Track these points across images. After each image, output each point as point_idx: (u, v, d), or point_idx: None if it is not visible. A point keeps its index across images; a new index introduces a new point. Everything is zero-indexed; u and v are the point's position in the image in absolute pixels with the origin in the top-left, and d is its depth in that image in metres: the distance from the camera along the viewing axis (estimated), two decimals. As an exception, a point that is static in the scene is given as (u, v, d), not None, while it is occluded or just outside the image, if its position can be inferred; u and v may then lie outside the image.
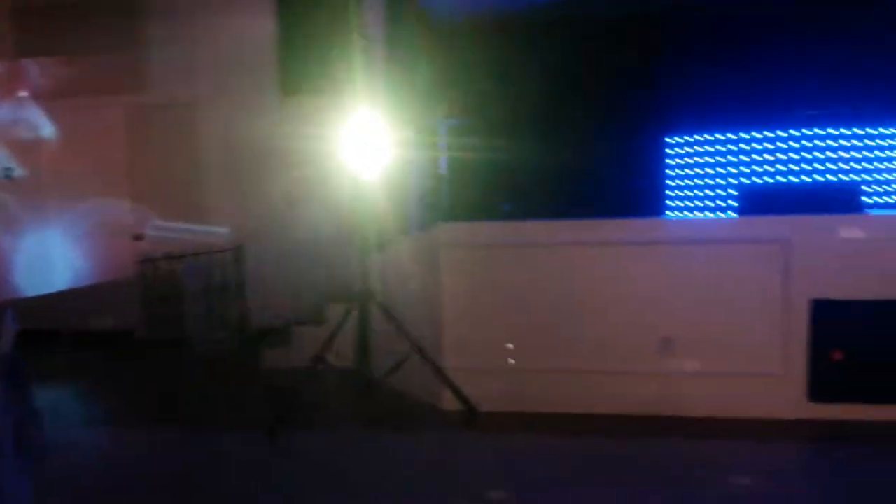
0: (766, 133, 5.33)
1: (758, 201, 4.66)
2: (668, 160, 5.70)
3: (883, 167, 5.10)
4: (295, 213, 6.00)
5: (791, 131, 5.25)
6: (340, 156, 4.11)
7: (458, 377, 4.03)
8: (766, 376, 3.84)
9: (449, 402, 4.07)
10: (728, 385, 3.84)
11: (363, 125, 4.04)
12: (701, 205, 5.48)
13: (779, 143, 5.30)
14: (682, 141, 5.70)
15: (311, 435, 3.89)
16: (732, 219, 4.47)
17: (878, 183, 5.00)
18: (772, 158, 5.29)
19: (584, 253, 4.03)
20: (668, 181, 5.67)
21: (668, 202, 5.64)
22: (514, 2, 6.16)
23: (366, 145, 4.04)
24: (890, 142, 5.18)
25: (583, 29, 6.50)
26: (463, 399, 4.01)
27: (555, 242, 4.06)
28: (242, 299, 6.41)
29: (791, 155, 5.23)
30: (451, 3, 6.12)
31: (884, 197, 4.93)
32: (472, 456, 3.58)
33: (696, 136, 5.58)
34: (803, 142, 5.22)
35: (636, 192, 5.64)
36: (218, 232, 6.37)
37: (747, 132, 5.39)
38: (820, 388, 3.79)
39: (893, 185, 5.03)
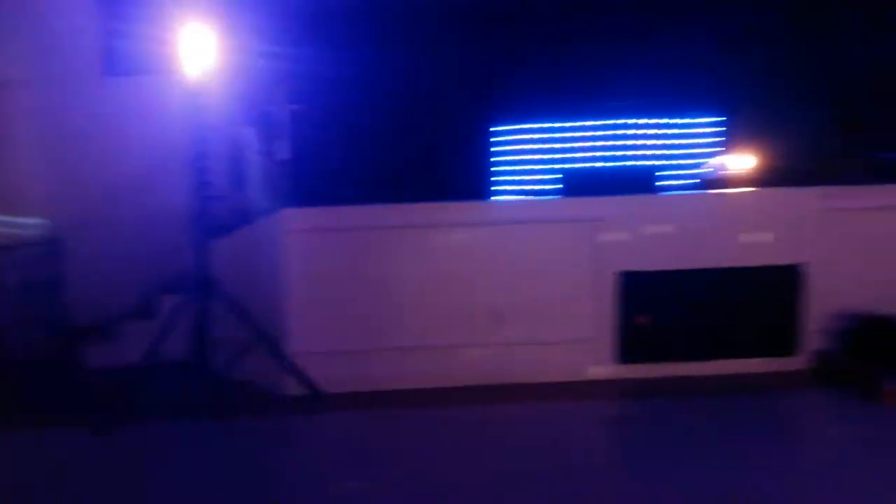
0: (580, 123, 5.88)
1: (573, 184, 5.14)
2: (494, 147, 6.10)
3: (674, 153, 5.85)
4: (120, 200, 5.67)
5: (601, 121, 5.84)
6: (170, 139, 3.99)
7: (304, 362, 4.10)
8: (582, 342, 4.29)
9: (294, 388, 4.13)
10: (547, 352, 4.25)
11: (194, 107, 3.95)
12: (524, 188, 5.92)
13: (591, 132, 5.87)
14: (507, 129, 6.12)
15: (143, 430, 3.70)
16: (550, 200, 4.89)
17: (671, 168, 5.74)
18: (585, 145, 5.85)
19: (421, 235, 4.25)
20: (494, 167, 6.07)
21: (494, 187, 6.05)
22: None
23: (198, 127, 3.95)
24: (679, 130, 5.93)
25: (417, 20, 6.73)
26: (307, 383, 4.09)
27: (393, 225, 4.24)
28: (61, 295, 5.96)
29: (601, 143, 5.82)
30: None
31: (675, 180, 5.67)
32: (316, 437, 3.69)
33: (520, 126, 6.02)
34: (610, 130, 5.83)
35: (467, 177, 5.99)
36: (34, 222, 5.87)
37: (564, 121, 5.90)
38: (627, 350, 4.31)
39: (683, 170, 5.78)
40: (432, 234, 4.24)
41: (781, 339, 4.32)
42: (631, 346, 4.29)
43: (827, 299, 4.27)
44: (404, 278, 4.23)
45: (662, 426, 3.68)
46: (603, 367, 4.29)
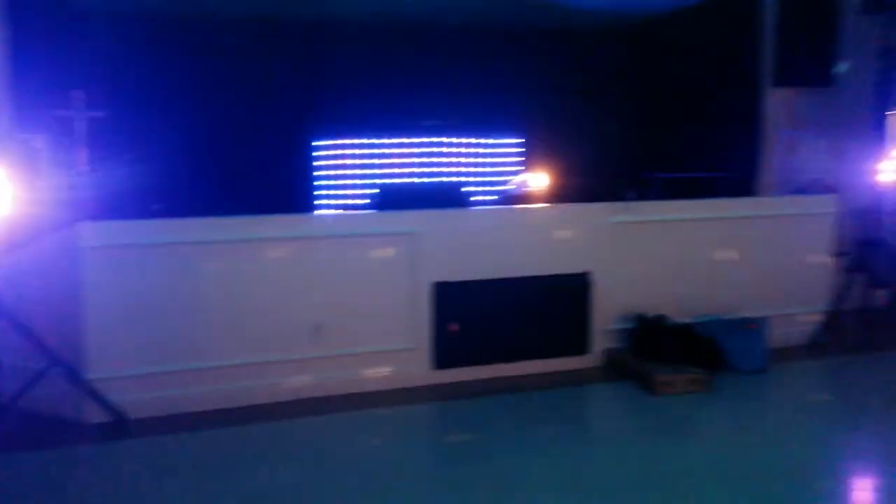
0: (397, 140, 6.11)
1: (390, 199, 5.34)
2: (315, 161, 6.14)
3: (481, 170, 6.29)
4: None
5: (415, 139, 6.12)
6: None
7: (107, 387, 3.85)
8: (400, 351, 4.46)
9: (97, 415, 3.86)
10: (368, 363, 4.37)
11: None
12: (343, 202, 6.04)
13: (407, 149, 6.14)
14: (328, 144, 6.19)
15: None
16: (369, 214, 5.03)
17: (478, 183, 6.17)
18: (401, 161, 6.10)
19: (236, 249, 4.15)
20: (315, 181, 6.12)
21: (316, 200, 6.09)
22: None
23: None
24: (485, 150, 6.38)
25: (238, 32, 6.61)
26: (110, 409, 3.85)
27: (207, 240, 4.10)
28: None
29: (415, 159, 6.10)
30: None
31: (482, 195, 6.12)
32: (117, 466, 3.49)
33: (339, 140, 6.13)
34: (424, 148, 6.13)
35: (288, 191, 5.98)
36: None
37: (381, 137, 6.10)
38: (441, 357, 4.55)
39: (488, 186, 6.25)
40: (243, 249, 4.16)
41: (575, 340, 4.80)
42: (445, 352, 4.54)
43: (612, 303, 4.82)
44: (215, 295, 4.11)
45: (468, 422, 3.98)
46: (420, 374, 4.49)
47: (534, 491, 3.15)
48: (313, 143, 6.21)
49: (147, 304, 3.98)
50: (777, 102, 6.32)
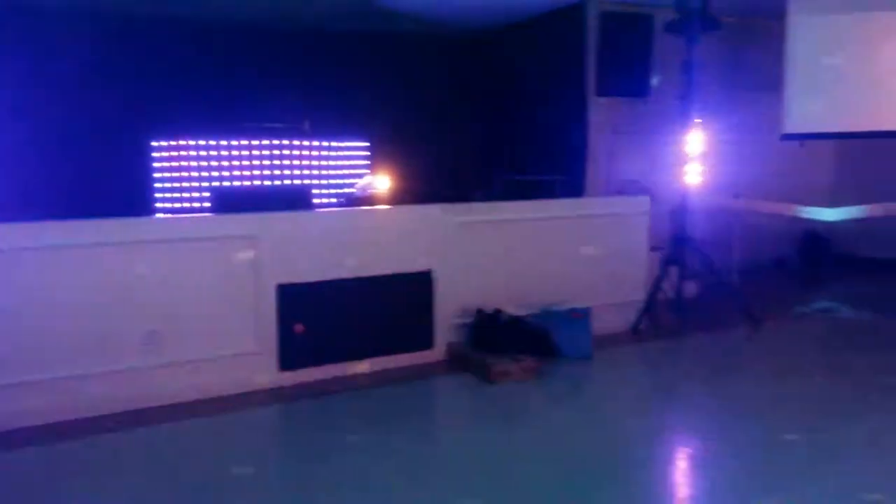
0: (237, 141, 6.02)
1: (229, 201, 5.26)
2: (154, 163, 5.90)
3: (326, 173, 6.35)
4: None
5: (256, 141, 6.06)
6: None
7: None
8: (246, 355, 4.44)
9: None
10: (212, 368, 4.31)
11: None
12: (185, 205, 5.86)
13: (248, 151, 6.06)
14: (166, 145, 5.97)
15: None
16: (210, 217, 4.93)
17: (323, 186, 6.23)
18: (242, 164, 6.02)
19: (68, 254, 3.96)
20: (155, 183, 5.88)
21: (156, 203, 5.86)
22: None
23: None
24: (329, 153, 6.45)
25: (73, 28, 6.23)
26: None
27: (34, 246, 3.88)
28: None
29: (256, 162, 6.04)
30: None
31: (327, 198, 6.18)
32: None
33: (180, 142, 5.93)
34: (267, 150, 6.09)
35: (125, 193, 5.71)
36: None
37: (221, 139, 5.98)
38: (288, 358, 4.57)
39: (334, 189, 6.33)
40: (83, 253, 3.97)
41: (420, 335, 5.00)
42: (292, 353, 4.57)
43: (454, 299, 5.07)
44: (47, 302, 3.90)
45: (312, 422, 4.06)
46: (268, 377, 4.49)
47: (370, 483, 3.29)
48: (152, 144, 5.96)
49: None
50: (601, 111, 6.91)
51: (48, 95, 6.25)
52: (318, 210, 5.45)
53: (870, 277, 8.02)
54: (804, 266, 8.83)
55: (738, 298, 6.13)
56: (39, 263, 3.90)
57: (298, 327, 4.56)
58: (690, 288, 6.51)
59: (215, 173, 5.97)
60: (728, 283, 6.70)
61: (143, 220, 4.76)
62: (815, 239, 8.91)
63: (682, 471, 3.56)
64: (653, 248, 6.28)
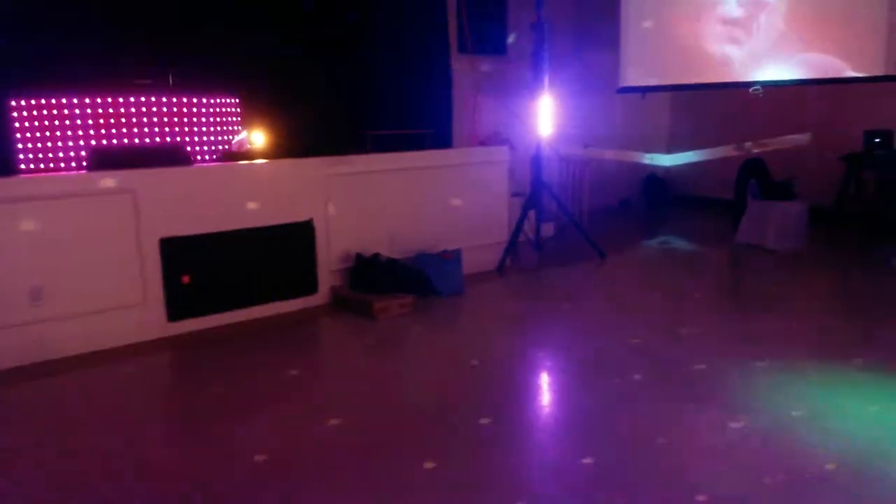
0: (108, 99, 5.95)
1: (106, 159, 5.26)
2: (17, 123, 5.72)
3: (200, 130, 6.43)
4: None
5: (127, 98, 6.02)
6: None
7: None
8: (132, 307, 4.59)
9: None
10: (100, 322, 4.44)
11: None
12: (52, 165, 5.75)
13: (120, 109, 6.01)
14: (32, 104, 5.79)
15: None
16: (88, 174, 4.92)
17: (198, 142, 6.31)
18: (114, 122, 5.97)
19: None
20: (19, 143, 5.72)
21: (20, 163, 5.71)
22: None
23: None
24: (201, 109, 6.50)
25: None
26: None
27: None
28: None
29: (130, 119, 6.02)
30: None
31: (202, 155, 6.28)
32: None
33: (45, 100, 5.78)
34: (137, 108, 6.06)
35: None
36: None
37: (91, 97, 5.89)
38: (175, 309, 4.76)
39: (207, 145, 6.42)
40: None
41: (303, 281, 5.33)
42: (179, 304, 4.76)
43: (335, 246, 5.43)
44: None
45: (202, 366, 4.32)
46: (157, 327, 4.67)
47: (252, 404, 3.64)
48: (11, 102, 5.76)
49: None
50: (464, 68, 7.38)
51: None
52: (198, 165, 5.55)
53: (701, 214, 9.16)
54: (646, 206, 9.92)
55: (587, 237, 6.91)
56: None
57: (184, 278, 4.74)
58: (547, 229, 7.26)
59: (82, 132, 5.87)
60: (579, 223, 7.49)
61: (24, 178, 4.72)
62: (655, 182, 10.01)
63: (535, 373, 4.19)
64: (514, 195, 6.91)
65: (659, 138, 9.84)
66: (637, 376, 3.88)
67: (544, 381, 4.11)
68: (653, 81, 7.10)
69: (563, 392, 3.90)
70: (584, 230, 7.07)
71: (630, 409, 3.51)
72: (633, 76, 6.99)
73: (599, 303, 5.55)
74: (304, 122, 7.63)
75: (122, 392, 3.93)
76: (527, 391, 3.91)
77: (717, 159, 8.98)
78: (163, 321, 4.72)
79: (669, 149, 9.81)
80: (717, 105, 8.96)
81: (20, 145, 5.79)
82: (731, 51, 6.96)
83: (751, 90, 7.16)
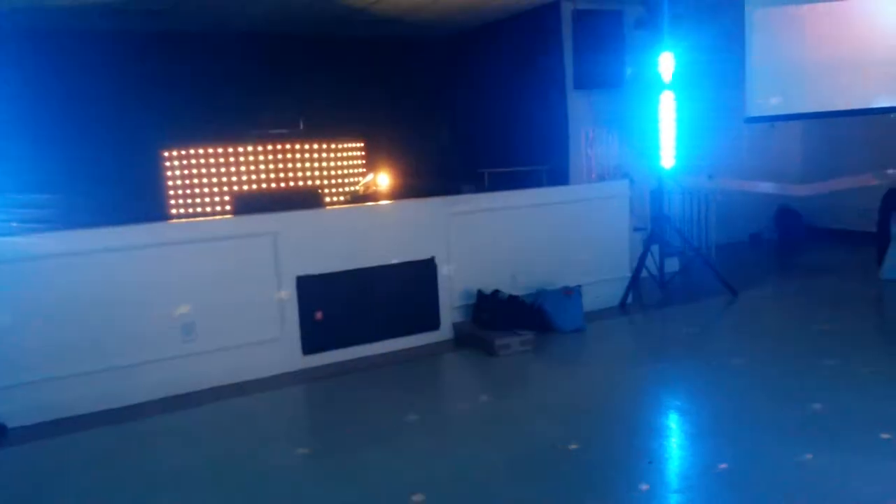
0: (247, 147, 6.45)
1: (247, 203, 5.68)
2: (168, 171, 6.32)
3: (331, 173, 6.80)
4: None
5: (264, 146, 6.50)
6: None
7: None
8: (271, 341, 4.88)
9: (-26, 427, 3.95)
10: (243, 355, 4.76)
11: None
12: (199, 210, 6.28)
13: (258, 156, 6.49)
14: (177, 154, 6.38)
15: None
16: (232, 218, 5.34)
17: (328, 185, 6.70)
18: (254, 168, 6.45)
19: (102, 259, 4.36)
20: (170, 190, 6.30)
21: (170, 209, 6.28)
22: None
23: None
24: (329, 154, 6.88)
25: (90, 43, 6.61)
26: (-11, 420, 3.95)
27: (70, 252, 4.28)
28: None
29: (267, 165, 6.48)
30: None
31: (334, 196, 6.64)
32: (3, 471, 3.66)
33: (191, 150, 6.35)
34: (273, 154, 6.53)
35: (141, 200, 6.12)
36: None
37: (229, 146, 6.41)
38: (309, 344, 5.02)
39: (341, 188, 6.78)
40: (119, 257, 4.40)
41: (428, 317, 5.46)
42: (313, 339, 5.01)
43: (456, 283, 5.54)
44: (92, 301, 4.32)
45: (335, 396, 4.52)
46: (292, 361, 4.94)
47: (392, 437, 3.75)
48: (163, 153, 6.37)
49: (17, 316, 4.11)
50: (579, 103, 7.39)
51: (65, 110, 6.64)
52: (329, 207, 5.86)
53: (839, 248, 8.56)
54: (778, 240, 9.39)
55: (716, 272, 6.63)
56: (92, 266, 4.32)
57: (317, 315, 5.00)
58: (672, 265, 7.04)
59: (225, 178, 6.38)
60: (706, 258, 7.22)
61: (176, 222, 5.17)
62: (788, 214, 9.48)
63: (665, 414, 4.04)
64: (635, 229, 6.79)
65: (791, 168, 9.35)
66: (775, 430, 3.66)
67: (672, 426, 3.96)
68: (782, 110, 6.80)
69: (698, 439, 3.74)
70: (712, 265, 6.80)
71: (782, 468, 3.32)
72: (762, 105, 6.73)
73: (732, 343, 5.30)
74: (425, 163, 7.91)
75: (266, 421, 4.17)
76: (661, 437, 3.79)
77: (856, 189, 8.40)
78: (297, 355, 4.98)
79: (802, 179, 9.29)
80: (855, 132, 8.43)
81: (171, 192, 6.36)
82: (868, 75, 6.57)
83: (893, 115, 6.70)
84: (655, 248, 6.64)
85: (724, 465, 3.24)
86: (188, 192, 6.43)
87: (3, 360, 4.06)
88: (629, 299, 6.35)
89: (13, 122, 6.06)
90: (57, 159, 6.23)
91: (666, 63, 6.30)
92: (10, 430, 4.01)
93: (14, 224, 4.64)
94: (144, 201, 6.29)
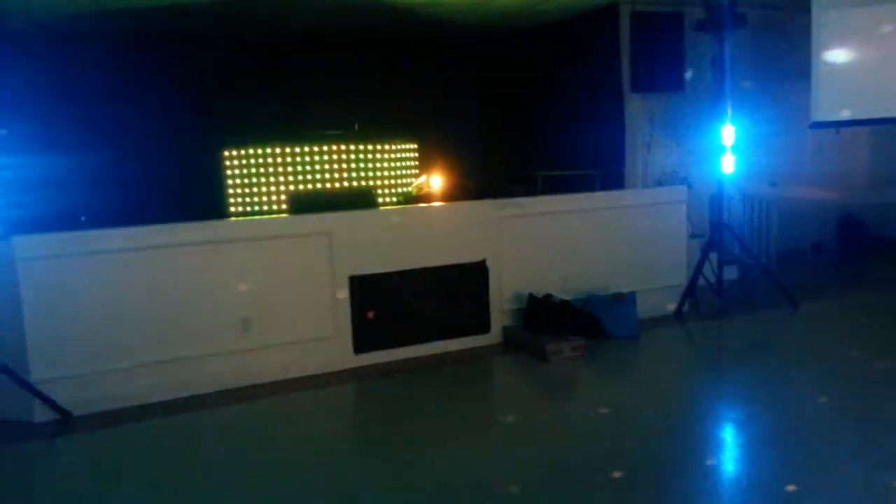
0: (303, 148, 6.57)
1: (303, 202, 5.78)
2: (228, 171, 6.48)
3: (385, 174, 6.87)
4: None
5: (320, 147, 6.61)
6: None
7: (51, 388, 4.11)
8: (325, 339, 4.94)
9: (41, 414, 4.11)
10: (297, 352, 4.83)
11: None
12: (257, 208, 6.42)
13: (313, 157, 6.61)
14: (237, 154, 6.54)
15: None
16: (288, 217, 5.44)
17: (384, 186, 6.77)
18: (310, 168, 6.56)
19: (166, 254, 4.49)
20: (228, 189, 6.46)
21: (229, 207, 6.44)
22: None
23: None
24: (383, 155, 6.94)
25: (148, 46, 6.85)
26: (54, 406, 4.11)
27: (136, 247, 4.42)
28: None
29: (322, 165, 6.59)
30: None
31: (387, 197, 6.71)
32: (63, 459, 3.80)
33: (250, 150, 6.50)
34: (329, 154, 6.63)
35: (202, 199, 6.30)
36: None
37: (290, 146, 6.53)
38: (361, 342, 5.06)
39: (394, 189, 6.84)
40: (180, 252, 4.53)
41: (477, 320, 5.44)
42: (364, 338, 5.06)
43: (507, 286, 5.51)
44: (152, 296, 4.45)
45: (388, 395, 4.56)
46: (344, 359, 4.99)
47: (447, 440, 3.74)
48: (223, 153, 6.54)
49: (84, 308, 4.26)
50: (636, 106, 7.27)
51: (125, 112, 6.90)
52: (382, 208, 5.91)
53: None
54: (841, 250, 9.04)
55: (776, 282, 6.42)
56: (157, 260, 4.46)
57: (369, 314, 5.04)
58: (730, 273, 6.85)
59: (282, 178, 6.50)
60: (766, 267, 7.00)
61: (236, 221, 5.30)
62: (853, 223, 9.11)
63: (721, 428, 3.93)
64: (692, 236, 6.63)
65: (856, 176, 8.99)
66: (833, 444, 3.52)
67: (728, 441, 3.84)
68: (849, 115, 6.54)
69: (756, 453, 3.62)
70: (773, 275, 6.60)
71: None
72: (827, 110, 6.50)
73: (792, 357, 5.11)
74: (478, 165, 7.91)
75: (319, 418, 4.23)
76: (715, 448, 3.69)
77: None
78: (349, 353, 5.03)
79: (869, 187, 8.93)
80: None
81: (230, 191, 6.51)
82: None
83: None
84: (714, 256, 6.47)
85: (792, 487, 3.11)
86: (246, 191, 6.57)
87: (68, 351, 4.21)
88: (685, 308, 6.20)
89: (88, 123, 6.33)
90: (129, 158, 6.47)
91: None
92: (74, 417, 4.16)
93: (83, 218, 4.83)
94: (206, 199, 6.47)
